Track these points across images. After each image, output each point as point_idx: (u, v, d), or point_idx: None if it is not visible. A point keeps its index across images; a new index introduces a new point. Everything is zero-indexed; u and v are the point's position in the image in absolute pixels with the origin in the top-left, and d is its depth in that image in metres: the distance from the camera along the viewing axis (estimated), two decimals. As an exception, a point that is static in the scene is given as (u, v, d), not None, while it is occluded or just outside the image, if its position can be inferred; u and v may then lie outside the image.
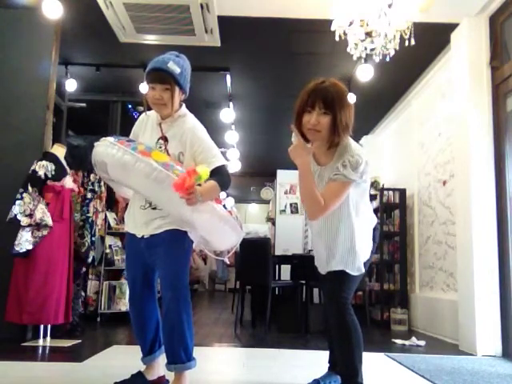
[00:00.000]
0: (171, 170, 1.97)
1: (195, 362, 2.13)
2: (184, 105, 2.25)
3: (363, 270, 2.13)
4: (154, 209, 2.14)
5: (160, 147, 2.14)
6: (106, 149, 2.05)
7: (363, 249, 2.15)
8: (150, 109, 2.24)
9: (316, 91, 1.92)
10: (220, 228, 2.15)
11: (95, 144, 2.14)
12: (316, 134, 1.93)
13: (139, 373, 2.25)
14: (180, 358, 2.09)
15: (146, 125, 2.27)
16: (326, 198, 1.91)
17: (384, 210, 5.67)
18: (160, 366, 2.27)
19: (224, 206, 2.15)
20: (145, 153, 2.00)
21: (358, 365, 2.05)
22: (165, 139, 2.16)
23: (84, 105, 5.47)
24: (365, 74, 4.58)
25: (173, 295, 2.10)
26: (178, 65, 2.13)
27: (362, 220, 2.13)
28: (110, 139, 2.08)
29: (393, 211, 5.65)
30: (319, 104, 1.90)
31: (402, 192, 5.54)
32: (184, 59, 2.23)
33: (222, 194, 2.22)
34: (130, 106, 6.20)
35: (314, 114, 1.91)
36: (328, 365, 2.43)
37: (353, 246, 2.08)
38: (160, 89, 2.09)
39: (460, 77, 4.03)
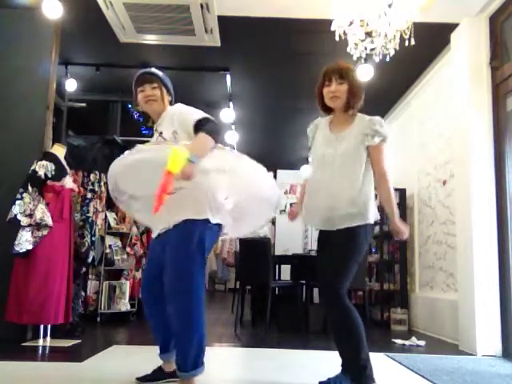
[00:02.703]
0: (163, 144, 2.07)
1: (199, 370, 2.07)
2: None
3: (371, 220, 2.31)
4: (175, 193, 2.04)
5: (158, 140, 2.25)
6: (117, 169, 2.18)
7: (372, 200, 2.34)
8: (145, 117, 2.38)
9: (330, 69, 2.32)
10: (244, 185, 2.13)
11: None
12: (337, 100, 2.30)
13: (159, 368, 2.33)
14: (183, 367, 2.07)
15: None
16: (380, 166, 2.30)
17: (384, 211, 5.65)
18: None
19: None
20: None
21: (363, 358, 2.13)
22: (160, 133, 2.25)
23: (84, 105, 5.47)
24: (365, 74, 4.58)
25: (173, 304, 2.02)
26: (159, 71, 2.36)
27: (370, 179, 2.35)
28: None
29: (393, 211, 5.64)
30: (335, 76, 2.28)
31: (402, 192, 5.54)
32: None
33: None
34: (129, 106, 6.21)
35: (333, 84, 2.29)
36: (341, 366, 2.36)
37: (364, 190, 2.31)
38: (149, 88, 2.28)
39: (460, 77, 4.03)
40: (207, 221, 2.07)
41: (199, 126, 2.02)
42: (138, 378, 2.30)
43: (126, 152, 2.12)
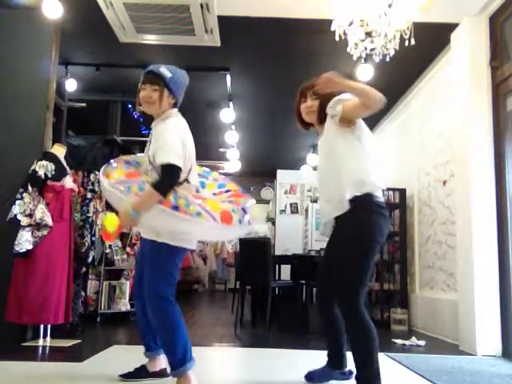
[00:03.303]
0: (117, 187, 2.14)
1: (188, 365, 2.15)
2: (175, 109, 2.34)
3: (377, 186, 2.19)
4: None
5: (146, 149, 2.32)
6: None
7: (365, 172, 2.21)
8: (144, 112, 2.38)
9: (305, 86, 2.46)
10: (181, 227, 2.15)
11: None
12: (312, 114, 2.45)
13: (142, 366, 2.41)
14: (173, 367, 2.18)
15: None
16: (353, 102, 2.16)
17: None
18: (162, 360, 2.42)
19: (175, 207, 2.07)
20: (106, 174, 2.21)
21: (370, 359, 2.11)
22: (150, 141, 2.30)
23: (84, 105, 5.47)
24: (365, 73, 4.58)
25: (148, 304, 2.20)
26: (169, 70, 2.28)
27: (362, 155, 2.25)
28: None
29: (393, 211, 5.64)
30: (309, 93, 2.43)
31: (402, 192, 5.54)
32: (180, 70, 2.35)
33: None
34: (129, 106, 6.21)
35: (308, 100, 2.44)
36: (327, 359, 2.48)
37: (352, 169, 2.21)
38: (149, 89, 2.27)
39: (460, 77, 4.03)
40: (169, 245, 2.20)
41: (159, 176, 2.14)
42: (120, 375, 2.38)
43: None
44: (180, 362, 2.14)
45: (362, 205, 2.16)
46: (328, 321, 2.42)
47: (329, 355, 2.47)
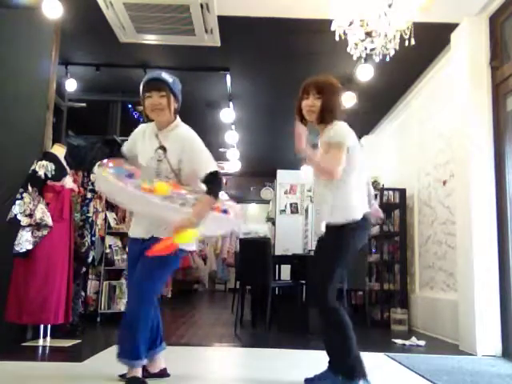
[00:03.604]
0: (172, 201, 2.18)
1: (140, 361, 2.25)
2: (178, 116, 2.41)
3: (350, 219, 2.28)
4: None
5: (159, 157, 2.31)
6: (111, 188, 2.27)
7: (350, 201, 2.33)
8: (148, 120, 2.40)
9: (309, 82, 2.41)
10: (216, 225, 2.42)
11: (97, 175, 2.33)
12: (312, 114, 2.40)
13: (143, 367, 2.37)
14: (128, 355, 2.24)
15: (145, 134, 2.42)
16: (328, 164, 2.27)
17: (384, 210, 5.64)
18: (161, 360, 2.44)
19: (225, 210, 2.35)
20: (146, 189, 2.18)
21: (352, 359, 2.18)
22: (163, 149, 2.32)
23: (84, 105, 5.47)
24: (365, 73, 4.58)
25: (134, 294, 2.27)
26: (169, 76, 2.35)
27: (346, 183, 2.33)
28: (109, 176, 2.22)
29: (393, 211, 5.65)
30: (313, 91, 2.37)
31: (402, 192, 5.54)
32: (174, 76, 2.43)
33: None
34: (130, 106, 6.20)
35: (310, 98, 2.38)
36: (328, 363, 2.44)
37: (342, 193, 2.33)
38: (157, 96, 2.28)
39: (460, 77, 4.03)
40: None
41: (207, 185, 2.27)
42: (120, 375, 2.36)
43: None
44: (134, 355, 2.21)
45: (343, 228, 2.31)
46: None
47: (329, 362, 2.44)
